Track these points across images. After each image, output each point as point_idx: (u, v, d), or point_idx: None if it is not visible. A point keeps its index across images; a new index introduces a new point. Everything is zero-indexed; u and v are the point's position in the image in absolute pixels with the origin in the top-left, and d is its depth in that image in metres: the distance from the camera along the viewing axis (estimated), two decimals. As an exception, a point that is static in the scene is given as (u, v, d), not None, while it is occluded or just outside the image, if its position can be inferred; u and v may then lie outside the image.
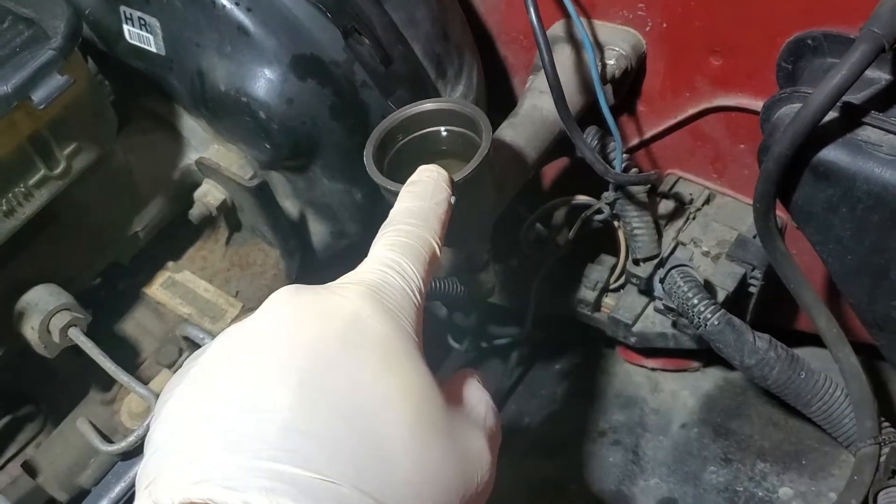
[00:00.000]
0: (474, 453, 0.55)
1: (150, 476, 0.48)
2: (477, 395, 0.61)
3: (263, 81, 0.99)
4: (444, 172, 0.70)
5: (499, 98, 1.24)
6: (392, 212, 0.65)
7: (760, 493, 1.15)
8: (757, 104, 0.97)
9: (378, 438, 0.49)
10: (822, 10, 0.92)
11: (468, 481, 0.53)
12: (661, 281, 1.12)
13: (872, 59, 0.78)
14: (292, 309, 0.53)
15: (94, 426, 0.97)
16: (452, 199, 0.69)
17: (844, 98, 0.83)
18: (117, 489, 0.92)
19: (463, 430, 0.55)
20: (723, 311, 1.06)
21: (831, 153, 0.86)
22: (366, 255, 0.61)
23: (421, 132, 0.96)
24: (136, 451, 0.92)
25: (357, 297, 0.54)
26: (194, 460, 0.47)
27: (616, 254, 1.25)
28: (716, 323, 1.05)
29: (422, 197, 0.66)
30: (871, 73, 0.89)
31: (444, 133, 0.97)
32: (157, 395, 0.93)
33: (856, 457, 0.99)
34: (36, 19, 0.87)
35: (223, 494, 0.45)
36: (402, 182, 0.92)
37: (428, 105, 0.95)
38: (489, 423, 0.59)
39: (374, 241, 0.62)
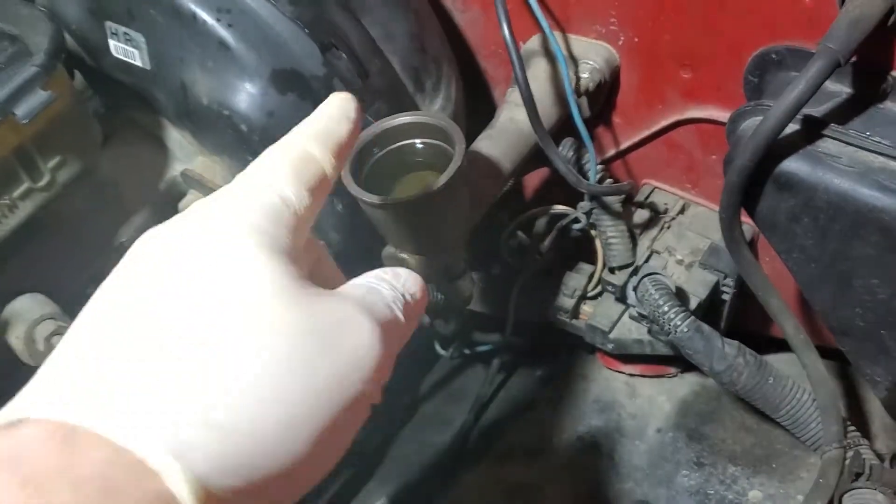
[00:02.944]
0: (339, 321, 0.48)
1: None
2: (354, 284, 0.53)
3: (245, 95, 1.02)
4: (347, 94, 0.60)
5: (479, 110, 1.26)
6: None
7: (731, 496, 1.18)
8: (725, 116, 0.99)
9: (200, 323, 0.44)
10: (784, 25, 0.95)
11: (335, 348, 0.46)
12: (635, 289, 1.14)
13: (828, 74, 0.81)
14: (137, 244, 0.50)
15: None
16: (355, 114, 0.59)
17: (805, 111, 0.86)
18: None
19: (322, 301, 0.48)
20: (692, 318, 1.09)
21: (792, 164, 0.88)
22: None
23: (397, 145, 0.98)
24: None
25: (196, 209, 0.50)
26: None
27: (594, 262, 1.27)
28: (685, 330, 1.08)
29: (317, 116, 0.58)
30: (831, 86, 0.91)
31: (420, 145, 0.99)
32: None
33: (822, 460, 1.01)
34: (20, 36, 0.90)
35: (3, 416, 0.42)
36: (380, 194, 0.94)
37: (403, 118, 0.97)
38: (370, 301, 0.51)
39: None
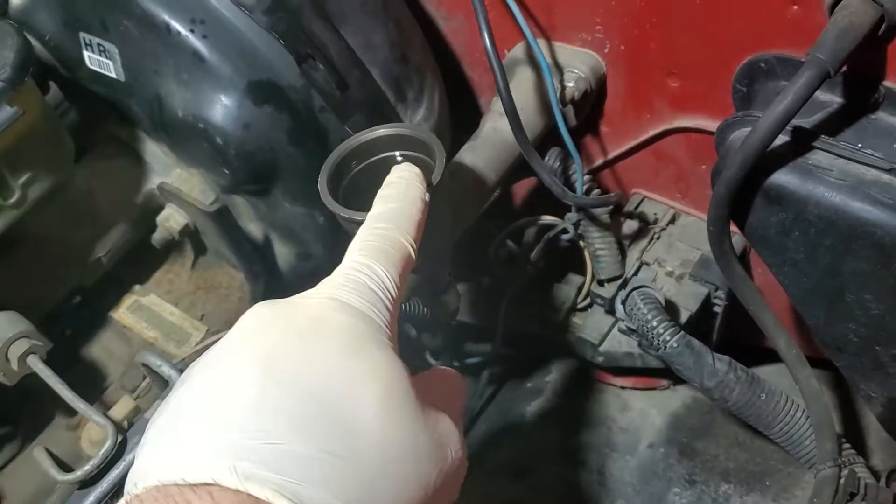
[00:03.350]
0: (446, 430, 0.56)
1: (131, 477, 0.51)
2: (444, 383, 0.63)
3: (220, 107, 1.00)
4: (416, 170, 0.72)
5: (465, 119, 1.24)
6: (368, 216, 0.68)
7: (723, 515, 1.15)
8: (714, 125, 0.97)
9: (345, 412, 0.51)
10: (773, 33, 0.92)
11: (443, 456, 0.55)
12: (623, 302, 1.12)
13: (818, 85, 0.79)
14: (257, 318, 0.56)
15: (51, 454, 0.97)
16: (427, 197, 0.69)
17: (795, 122, 0.83)
18: (73, 519, 0.91)
19: (430, 409, 0.56)
20: (682, 333, 1.06)
21: (782, 177, 0.86)
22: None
23: (376, 158, 0.95)
24: (92, 480, 0.91)
25: (321, 298, 0.57)
26: (164, 448, 0.51)
27: (584, 273, 1.25)
28: (675, 345, 1.05)
29: (394, 199, 0.68)
30: (822, 96, 0.89)
31: (400, 158, 0.96)
32: (114, 423, 0.92)
33: (816, 479, 0.99)
34: (-15, 50, 0.88)
35: (191, 475, 0.48)
36: (359, 209, 0.91)
37: (381, 131, 0.94)
38: (456, 407, 0.61)
39: (349, 247, 0.64)
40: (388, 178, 0.72)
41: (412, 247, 0.64)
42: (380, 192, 0.70)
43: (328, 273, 0.62)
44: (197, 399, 0.52)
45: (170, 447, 0.51)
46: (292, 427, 0.50)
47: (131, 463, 0.54)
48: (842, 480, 0.98)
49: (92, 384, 1.09)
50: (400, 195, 0.68)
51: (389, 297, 0.59)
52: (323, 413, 0.51)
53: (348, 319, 0.55)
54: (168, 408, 0.54)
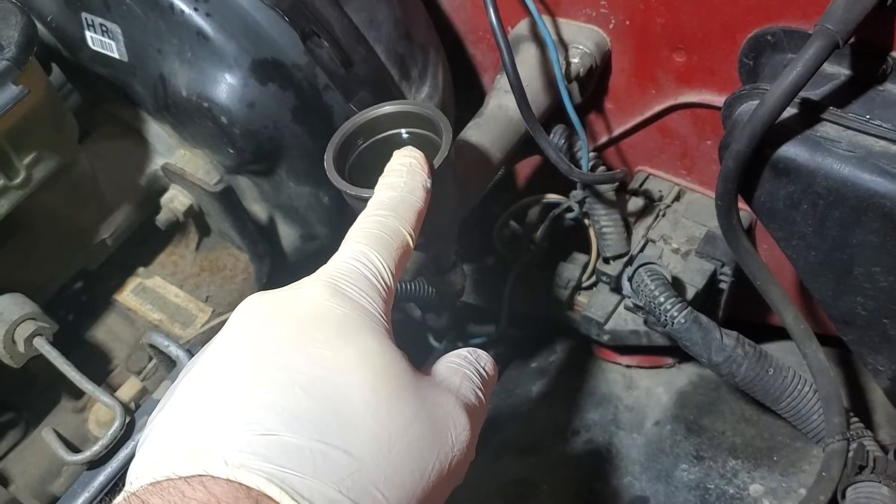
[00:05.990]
0: (445, 414, 0.56)
1: (129, 475, 0.53)
2: (449, 368, 0.62)
3: (224, 86, 0.99)
4: (419, 157, 0.71)
5: (468, 98, 1.24)
6: (368, 203, 0.68)
7: (731, 491, 1.15)
8: (720, 100, 0.96)
9: (337, 401, 0.52)
10: (780, 5, 0.92)
11: (441, 441, 0.55)
12: (630, 279, 1.12)
13: (826, 56, 0.78)
14: (250, 312, 0.57)
15: (60, 435, 0.97)
16: (428, 184, 0.69)
17: (803, 94, 0.83)
18: (82, 499, 0.91)
19: (431, 393, 0.56)
20: (689, 308, 1.06)
21: (790, 150, 0.85)
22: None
23: (382, 135, 0.95)
24: (101, 461, 0.91)
25: (315, 287, 0.57)
26: (159, 444, 0.52)
27: (588, 251, 1.25)
28: (682, 321, 1.05)
29: (395, 187, 0.68)
30: (829, 68, 0.88)
31: (406, 135, 0.96)
32: (122, 404, 0.92)
33: (824, 453, 0.99)
34: (-11, 29, 0.87)
35: (185, 467, 0.49)
36: (365, 186, 0.91)
37: (387, 108, 0.94)
38: (464, 391, 0.60)
39: (347, 234, 0.64)
40: (391, 165, 0.72)
41: (411, 236, 0.64)
42: (381, 179, 0.71)
43: (333, 254, 0.63)
44: (191, 396, 0.54)
45: (165, 442, 0.52)
46: (284, 418, 0.51)
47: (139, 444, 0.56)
48: (850, 454, 0.98)
49: (97, 367, 1.09)
50: (401, 183, 0.69)
51: (384, 285, 0.60)
52: (314, 403, 0.51)
53: (341, 309, 0.56)
54: (166, 405, 0.55)
